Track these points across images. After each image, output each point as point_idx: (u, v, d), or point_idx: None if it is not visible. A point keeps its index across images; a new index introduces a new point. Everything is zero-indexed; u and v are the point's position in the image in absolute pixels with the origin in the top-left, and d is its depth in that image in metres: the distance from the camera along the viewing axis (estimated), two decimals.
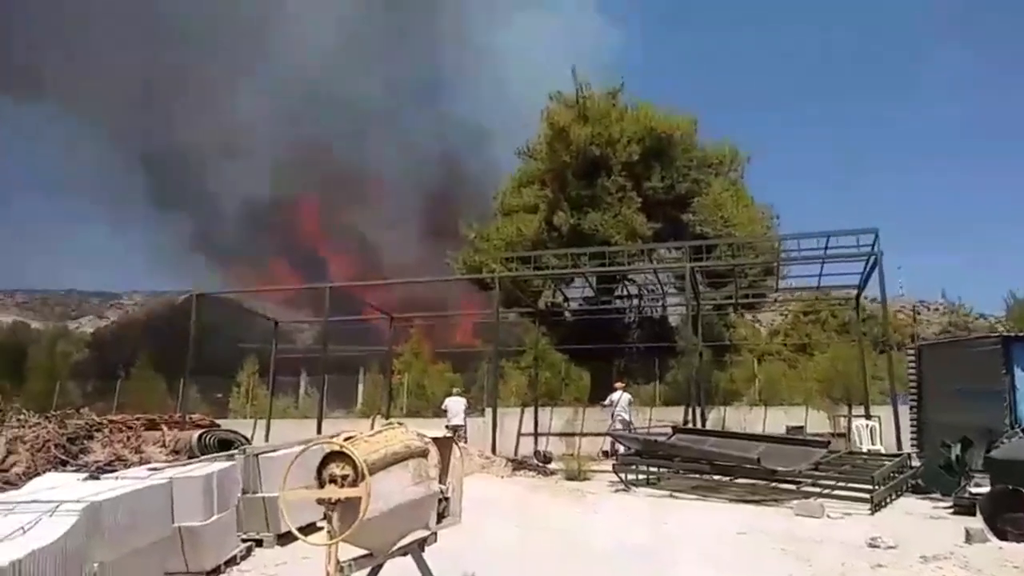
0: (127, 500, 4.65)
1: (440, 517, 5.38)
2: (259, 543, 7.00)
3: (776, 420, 17.25)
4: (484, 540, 6.70)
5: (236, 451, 7.29)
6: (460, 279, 19.77)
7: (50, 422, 9.66)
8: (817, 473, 9.94)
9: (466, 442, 16.25)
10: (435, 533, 5.20)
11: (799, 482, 9.79)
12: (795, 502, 9.42)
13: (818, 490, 9.76)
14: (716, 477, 10.79)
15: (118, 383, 25.44)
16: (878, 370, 23.40)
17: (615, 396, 16.03)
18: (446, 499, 5.49)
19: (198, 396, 26.72)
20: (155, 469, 6.11)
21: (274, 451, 7.48)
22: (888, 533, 7.37)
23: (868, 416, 15.19)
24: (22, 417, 9.82)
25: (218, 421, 18.86)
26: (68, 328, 62.44)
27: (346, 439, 4.71)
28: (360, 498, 4.37)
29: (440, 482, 5.34)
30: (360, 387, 27.84)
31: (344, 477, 4.48)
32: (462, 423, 16.90)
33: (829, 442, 11.36)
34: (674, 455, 11.25)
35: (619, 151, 18.01)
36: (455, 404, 17.16)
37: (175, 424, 15.70)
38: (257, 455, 7.26)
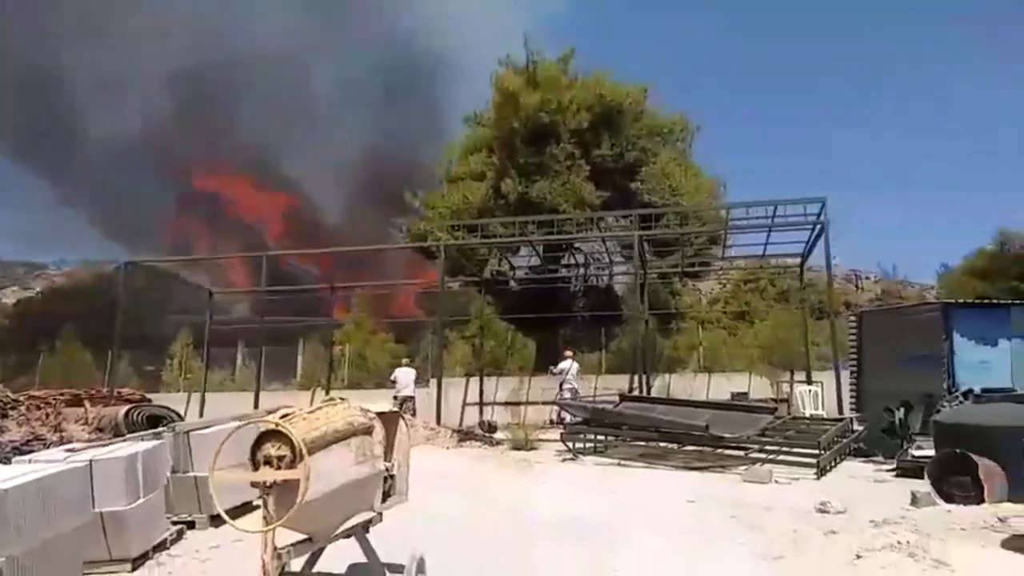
0: (37, 487, 4.22)
1: (386, 496, 5.10)
2: (191, 525, 6.59)
3: (720, 387, 17.44)
4: (431, 516, 6.44)
5: (165, 428, 6.82)
6: (405, 247, 19.29)
7: None
8: (764, 439, 9.96)
9: (415, 414, 15.96)
10: (380, 513, 4.93)
11: (746, 448, 9.80)
12: (743, 468, 9.46)
13: (764, 456, 9.79)
14: (664, 445, 10.76)
15: (40, 356, 24.21)
16: (817, 337, 24.04)
17: (564, 364, 15.92)
18: (392, 477, 5.20)
19: (130, 369, 25.73)
20: (73, 450, 5.64)
21: (206, 428, 7.05)
22: (836, 497, 7.38)
23: (810, 382, 15.43)
24: None
25: (150, 395, 18.18)
26: None
27: (283, 416, 4.36)
28: (298, 480, 4.06)
29: (385, 459, 5.05)
30: (300, 358, 27.19)
31: (281, 458, 4.14)
32: (412, 394, 16.57)
33: (776, 408, 11.43)
34: (622, 423, 11.17)
35: (568, 118, 17.71)
36: (405, 375, 16.79)
37: (102, 399, 15.04)
38: (188, 432, 6.82)
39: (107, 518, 5.34)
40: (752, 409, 11.52)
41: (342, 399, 4.87)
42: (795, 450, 9.63)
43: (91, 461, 5.33)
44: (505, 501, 7.66)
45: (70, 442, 8.18)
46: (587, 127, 17.97)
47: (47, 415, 8.25)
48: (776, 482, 8.74)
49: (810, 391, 13.82)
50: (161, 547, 5.94)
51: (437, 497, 7.40)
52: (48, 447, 8.06)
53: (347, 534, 4.64)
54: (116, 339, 16.34)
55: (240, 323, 19.82)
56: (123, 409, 9.79)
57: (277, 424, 4.15)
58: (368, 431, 4.59)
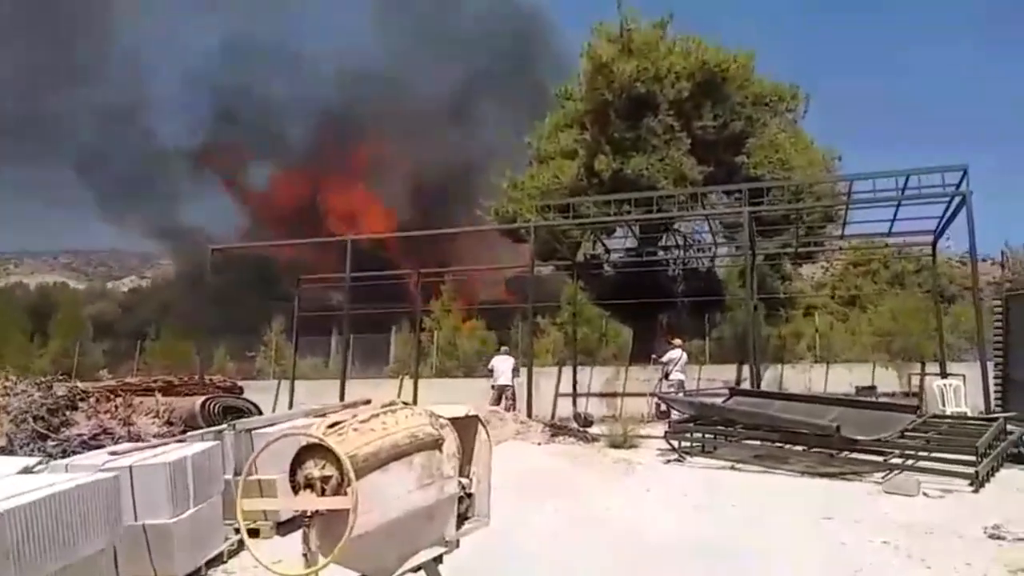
0: (49, 505, 3.54)
1: (462, 519, 4.20)
2: (254, 534, 5.91)
3: (839, 379, 15.83)
4: (518, 534, 5.53)
5: (226, 426, 6.17)
6: (492, 228, 18.42)
7: (38, 389, 8.69)
8: (906, 442, 8.55)
9: (515, 403, 15.12)
10: (457, 540, 4.04)
11: (885, 453, 8.44)
12: (880, 476, 8.14)
13: (902, 462, 8.40)
14: (781, 445, 9.50)
15: (138, 344, 24.80)
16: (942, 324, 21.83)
17: (674, 354, 14.73)
18: (469, 495, 4.30)
19: (226, 356, 26.11)
20: (116, 453, 5.03)
21: (270, 425, 6.37)
22: (1004, 517, 6.08)
23: (945, 374, 13.70)
24: (8, 383, 8.86)
25: (245, 383, 18.12)
26: (106, 288, 62.93)
27: (330, 427, 3.50)
28: (346, 510, 3.20)
29: (461, 474, 4.15)
30: (392, 346, 26.93)
31: (325, 480, 3.28)
32: (509, 383, 15.68)
33: (919, 407, 9.93)
34: (733, 421, 9.95)
35: (667, 88, 16.33)
36: (502, 363, 15.90)
37: (194, 386, 14.92)
38: (249, 431, 6.16)
39: (150, 532, 4.68)
40: (888, 407, 10.06)
41: (405, 403, 3.98)
42: (945, 456, 8.20)
43: (130, 468, 4.70)
44: (606, 515, 6.65)
45: (138, 437, 7.73)
46: (687, 97, 16.55)
47: (116, 407, 7.82)
48: (925, 495, 7.39)
49: (950, 385, 12.13)
50: (216, 561, 5.27)
51: (526, 510, 6.49)
52: (116, 441, 7.64)
53: (415, 568, 3.78)
54: (205, 325, 16.17)
55: (327, 311, 19.47)
56: (199, 400, 9.31)
57: (320, 438, 3.30)
58: (436, 444, 3.67)
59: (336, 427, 3.43)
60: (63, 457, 7.03)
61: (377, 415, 3.51)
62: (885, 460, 8.24)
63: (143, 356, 25.60)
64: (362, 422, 3.43)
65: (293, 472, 3.37)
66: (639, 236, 17.15)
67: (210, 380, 15.88)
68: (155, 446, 5.40)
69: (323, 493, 3.23)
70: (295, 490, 3.33)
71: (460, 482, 4.06)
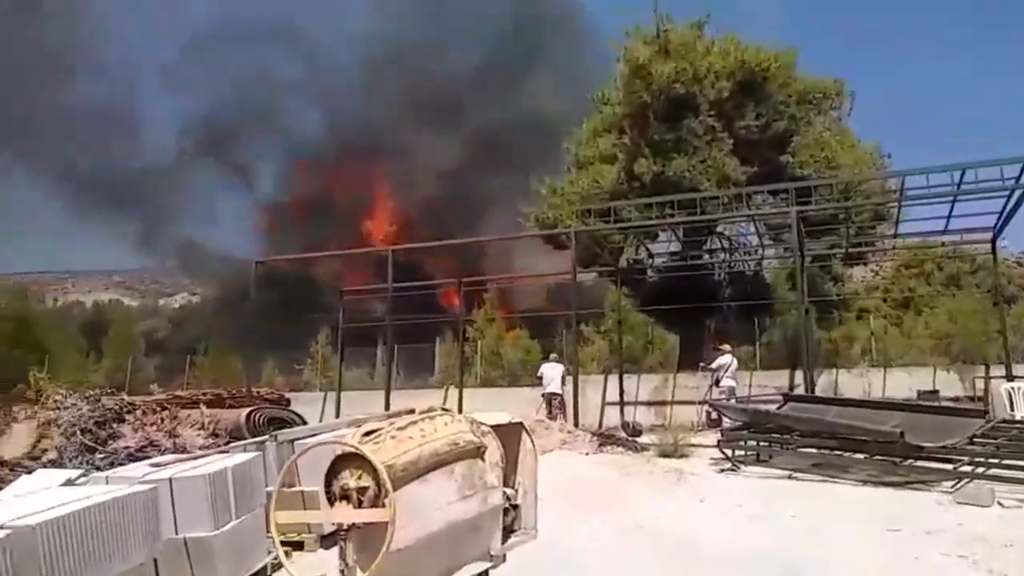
0: (83, 518, 3.46)
1: (507, 532, 4.01)
2: (298, 546, 5.80)
3: (898, 384, 15.21)
4: (566, 545, 5.31)
5: (268, 437, 6.08)
6: (533, 235, 18.23)
7: (87, 402, 8.78)
8: (975, 449, 8.09)
9: (564, 411, 14.87)
10: (504, 555, 3.85)
11: (954, 460, 7.99)
12: (949, 485, 7.70)
13: (972, 469, 7.94)
14: (842, 453, 9.09)
15: (188, 358, 25.17)
16: (997, 326, 20.92)
17: (724, 360, 14.32)
18: (514, 507, 4.10)
19: (274, 369, 26.38)
20: (159, 465, 4.97)
21: (312, 435, 6.27)
22: None
23: (1011, 377, 13.06)
24: (60, 397, 8.97)
25: (291, 395, 18.23)
26: (158, 305, 64.43)
27: (366, 435, 3.35)
28: (384, 523, 3.04)
29: (506, 484, 3.96)
30: (436, 356, 26.89)
31: (362, 491, 3.12)
32: (559, 391, 15.35)
33: (987, 411, 9.41)
34: (789, 428, 9.56)
35: (707, 88, 16.00)
36: (551, 371, 15.59)
37: (241, 399, 15.03)
38: (292, 441, 6.07)
39: (191, 545, 4.58)
40: (954, 411, 9.57)
41: (445, 409, 3.81)
42: (1020, 463, 7.71)
43: (170, 480, 4.62)
44: (657, 526, 6.38)
45: (183, 448, 7.73)
46: (728, 96, 16.19)
47: (162, 420, 7.84)
48: (1000, 504, 6.95)
49: (1018, 388, 11.52)
50: (260, 575, 5.16)
51: (574, 521, 6.26)
52: (162, 453, 7.65)
53: None
54: (251, 338, 16.28)
55: (370, 321, 19.49)
56: (244, 412, 9.32)
57: (356, 447, 3.14)
58: (478, 453, 3.49)
59: (372, 435, 3.27)
60: (110, 468, 7.07)
61: (415, 422, 3.35)
62: (954, 468, 7.79)
63: (192, 371, 26.01)
64: (399, 429, 3.27)
65: (328, 483, 3.22)
66: (683, 240, 16.78)
67: (257, 393, 16.03)
68: (197, 457, 5.32)
69: (360, 505, 3.07)
70: (331, 502, 3.19)
71: (505, 493, 3.88)
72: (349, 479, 3.12)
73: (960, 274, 32.86)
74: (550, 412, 14.91)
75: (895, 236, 15.24)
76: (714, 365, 14.60)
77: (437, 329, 26.25)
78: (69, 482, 4.68)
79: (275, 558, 5.49)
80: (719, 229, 17.12)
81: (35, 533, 3.14)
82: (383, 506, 3.00)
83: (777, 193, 15.80)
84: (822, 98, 17.29)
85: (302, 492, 5.81)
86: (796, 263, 12.70)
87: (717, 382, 14.29)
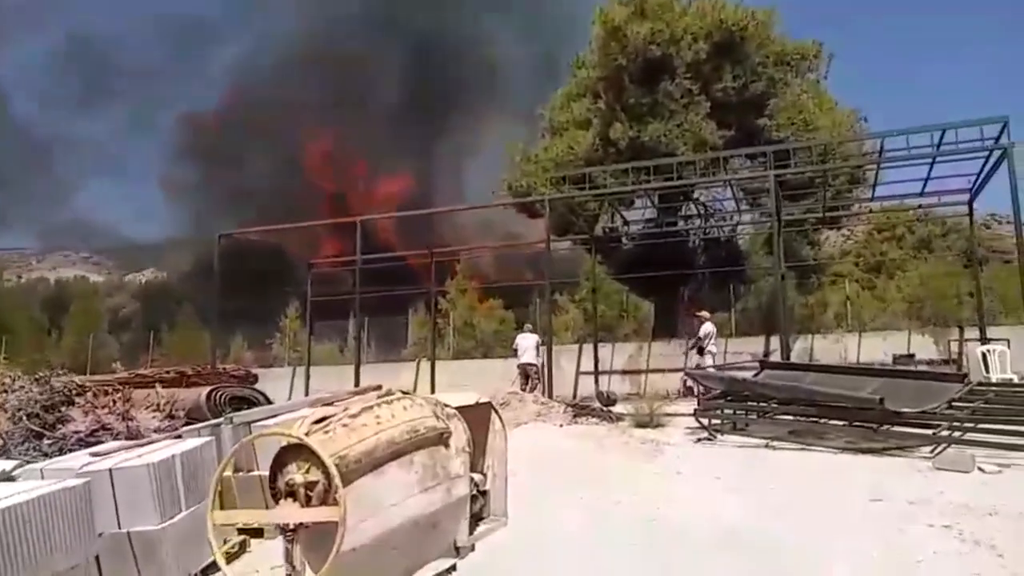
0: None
1: (475, 520, 3.73)
2: (257, 533, 5.47)
3: (873, 348, 15.18)
4: (541, 529, 5.05)
5: (222, 420, 5.73)
6: (506, 204, 17.83)
7: (37, 384, 8.32)
8: (955, 414, 7.96)
9: (540, 381, 14.65)
10: (472, 545, 3.58)
11: (932, 426, 7.86)
12: (928, 451, 7.58)
13: (950, 434, 7.80)
14: (818, 420, 8.95)
15: (151, 334, 24.56)
16: (970, 288, 21.05)
17: (708, 327, 14.13)
18: (483, 493, 3.82)
19: (243, 345, 25.88)
20: (97, 454, 4.61)
21: (272, 416, 5.92)
22: None
23: (985, 339, 13.04)
24: (8, 379, 8.48)
25: (260, 371, 17.79)
26: (124, 281, 63.07)
27: (315, 423, 3.02)
28: (335, 521, 2.73)
29: (473, 469, 3.67)
30: (409, 329, 26.53)
31: (310, 486, 2.81)
32: (534, 361, 15.02)
33: (966, 374, 9.30)
34: (766, 396, 9.40)
35: (683, 50, 15.59)
36: (525, 340, 15.28)
37: (207, 376, 14.58)
38: (249, 423, 5.73)
39: (135, 540, 4.25)
40: (932, 376, 9.46)
41: (404, 392, 3.49)
42: (999, 427, 7.60)
43: (110, 471, 4.27)
44: (634, 501, 6.15)
45: (136, 432, 7.33)
46: (705, 58, 15.79)
47: (114, 402, 7.43)
48: (980, 470, 6.82)
49: (993, 351, 11.47)
50: (213, 568, 4.84)
51: (549, 500, 6.01)
52: (116, 437, 7.25)
53: None
54: (214, 312, 15.80)
55: (340, 295, 19.06)
56: (204, 392, 8.92)
57: (301, 438, 2.82)
58: (441, 439, 3.18)
59: (322, 423, 2.95)
60: (59, 455, 6.67)
61: (370, 408, 3.03)
62: (934, 433, 7.65)
63: (159, 348, 25.41)
64: (352, 417, 2.94)
65: (273, 477, 2.90)
66: (658, 206, 16.49)
67: (224, 369, 15.55)
68: (144, 444, 4.98)
69: (308, 502, 2.76)
70: (275, 498, 2.87)
71: (472, 479, 3.59)
72: (296, 473, 2.80)
73: (931, 237, 33.13)
74: (526, 383, 14.68)
75: (872, 199, 15.06)
76: (701, 333, 14.39)
77: (409, 300, 25.87)
78: (3, 473, 4.32)
79: (231, 547, 5.20)
80: (695, 195, 16.82)
81: None
82: (333, 503, 2.69)
83: (754, 157, 15.53)
84: (800, 59, 16.96)
85: (260, 478, 5.50)
86: (773, 228, 12.46)
87: (701, 351, 14.09)
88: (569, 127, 17.70)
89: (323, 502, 2.73)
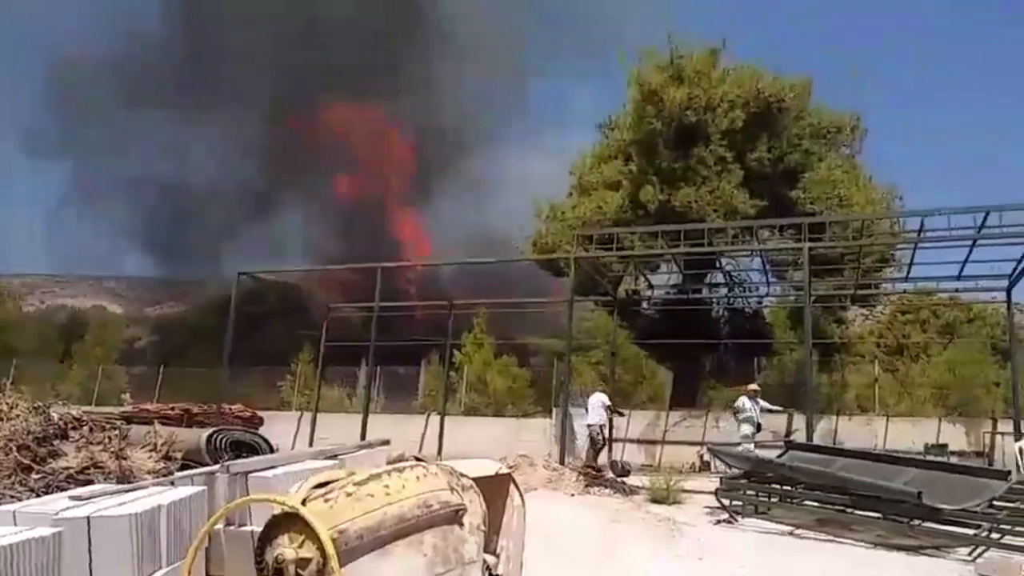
0: None
1: None
2: None
3: (901, 434, 14.55)
4: None
5: (217, 468, 5.36)
6: (531, 259, 17.59)
7: (35, 413, 8.01)
8: (998, 515, 7.42)
9: (605, 444, 14.00)
10: None
11: (973, 525, 7.31)
12: (965, 552, 7.04)
13: (987, 536, 7.25)
14: (845, 509, 8.41)
15: (160, 369, 24.28)
16: (997, 377, 20.40)
17: (757, 403, 13.56)
18: None
19: (253, 386, 25.47)
20: (79, 498, 4.26)
21: (271, 468, 5.54)
22: None
23: (1020, 433, 12.42)
24: (6, 406, 8.18)
25: (268, 413, 17.41)
26: (143, 313, 63.30)
27: (316, 487, 2.67)
28: None
29: (486, 549, 3.27)
30: (421, 379, 26.09)
31: (302, 564, 2.45)
32: (598, 422, 14.08)
33: (1009, 472, 8.75)
34: (793, 480, 8.89)
35: (719, 117, 15.50)
36: (594, 399, 14.36)
37: (212, 416, 14.22)
38: (246, 473, 5.35)
39: None
40: (973, 471, 8.91)
41: (418, 458, 3.13)
42: None
43: (88, 519, 3.92)
44: None
45: (129, 472, 6.97)
46: (741, 127, 15.70)
47: (110, 438, 7.09)
48: None
49: None
50: None
51: None
52: (107, 476, 6.90)
53: None
54: (225, 352, 15.52)
55: (353, 341, 18.77)
56: (205, 434, 8.55)
57: (296, 508, 2.46)
58: (455, 517, 2.81)
59: (323, 489, 2.60)
60: (45, 492, 6.31)
61: (378, 475, 2.67)
62: (975, 535, 7.11)
63: (169, 383, 25.08)
64: (358, 484, 2.59)
65: (261, 550, 2.54)
66: (684, 272, 16.17)
67: (229, 410, 15.23)
68: (129, 489, 4.62)
69: None
70: (261, 574, 2.50)
71: (485, 561, 3.19)
72: (287, 547, 2.44)
73: (956, 323, 32.46)
74: (592, 448, 13.94)
75: (907, 279, 14.61)
76: (752, 407, 13.81)
77: (423, 351, 25.48)
78: None
79: None
80: (723, 264, 16.50)
81: None
82: None
83: (785, 229, 15.25)
84: (836, 132, 16.80)
85: (252, 533, 5.10)
86: (804, 302, 12.07)
87: (759, 427, 13.41)
88: (598, 187, 17.57)
89: None
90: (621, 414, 15.18)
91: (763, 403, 13.62)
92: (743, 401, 13.52)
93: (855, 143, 17.35)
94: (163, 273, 69.33)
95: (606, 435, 14.15)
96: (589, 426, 14.02)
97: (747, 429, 13.10)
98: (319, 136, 64.34)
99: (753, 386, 14.08)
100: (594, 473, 11.92)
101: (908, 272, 14.10)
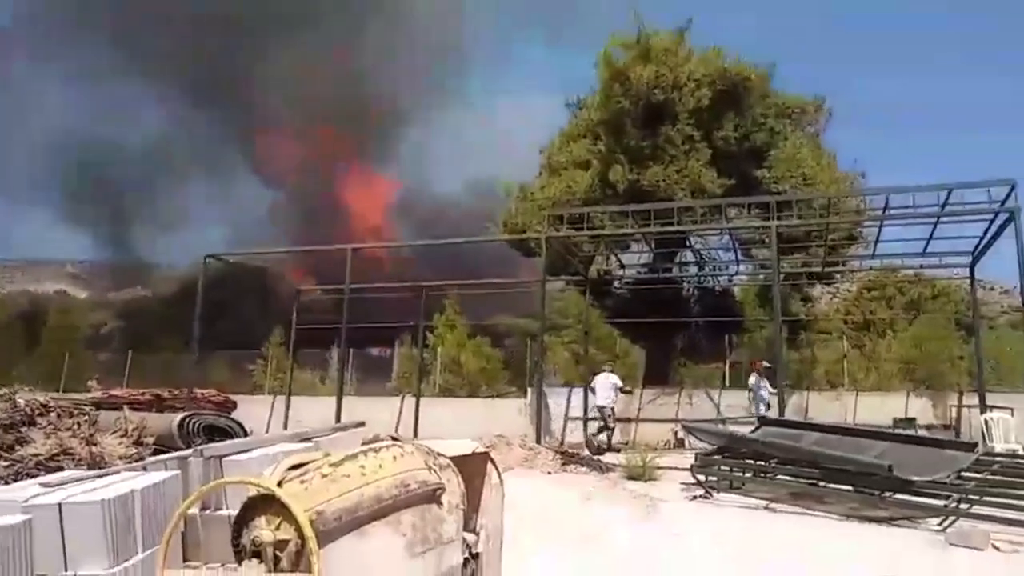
0: None
1: None
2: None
3: (870, 408, 14.80)
4: None
5: (190, 452, 5.28)
6: (502, 239, 17.54)
7: (2, 401, 7.82)
8: (967, 485, 7.59)
9: (612, 427, 14.02)
10: None
11: (943, 496, 7.48)
12: (935, 523, 7.19)
13: (956, 506, 7.43)
14: (818, 483, 8.55)
15: (128, 354, 23.89)
16: (962, 351, 20.88)
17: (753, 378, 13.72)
18: (474, 556, 3.39)
19: (225, 370, 25.18)
20: (48, 484, 4.16)
21: (245, 452, 5.47)
22: None
23: (985, 407, 12.72)
24: None
25: (240, 397, 17.20)
26: (107, 298, 62.11)
27: (291, 468, 2.62)
28: None
29: (465, 527, 3.24)
30: (395, 362, 26.00)
31: (280, 545, 2.39)
32: (607, 403, 14.07)
33: (976, 443, 8.95)
34: (767, 455, 9.01)
35: (686, 95, 15.52)
36: (603, 380, 14.42)
37: (184, 401, 14.03)
38: (220, 457, 5.28)
39: None
40: (942, 443, 9.09)
41: (395, 438, 3.09)
42: (1011, 501, 7.22)
43: (59, 505, 3.83)
44: (632, 565, 5.72)
45: (100, 459, 6.85)
46: (707, 105, 15.74)
47: (78, 424, 6.95)
48: (995, 547, 6.43)
49: (996, 419, 11.15)
50: None
51: (537, 556, 5.56)
52: (77, 462, 6.77)
53: None
54: (195, 336, 15.28)
55: (325, 324, 18.62)
56: (176, 418, 8.44)
57: (272, 490, 2.41)
58: (434, 496, 2.78)
59: (299, 471, 2.55)
60: (14, 480, 6.18)
61: (354, 456, 2.62)
62: (946, 506, 7.27)
63: (137, 368, 24.68)
64: (333, 466, 2.54)
65: (238, 532, 2.49)
66: (655, 251, 16.24)
67: (201, 395, 15.01)
68: (101, 475, 4.53)
69: (276, 565, 2.35)
70: (239, 557, 2.45)
71: (464, 539, 3.17)
72: (264, 529, 2.38)
73: (921, 299, 33.10)
74: (605, 426, 14.06)
75: (873, 256, 14.83)
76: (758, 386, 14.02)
77: (396, 333, 25.36)
78: None
79: None
80: (691, 242, 16.59)
81: None
82: (306, 568, 2.28)
83: (752, 207, 15.36)
84: (800, 113, 16.94)
85: (229, 517, 5.04)
86: (773, 280, 12.19)
87: (768, 405, 13.63)
88: (568, 167, 17.53)
89: (295, 566, 2.32)
90: (629, 392, 15.15)
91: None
92: (753, 378, 13.68)
93: (819, 123, 17.51)
94: (114, 255, 67.98)
95: (613, 417, 14.15)
96: (600, 408, 14.06)
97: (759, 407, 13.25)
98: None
99: (763, 363, 14.18)
100: (570, 452, 11.98)
101: (874, 249, 14.32)
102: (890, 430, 11.02)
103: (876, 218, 13.07)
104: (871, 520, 7.55)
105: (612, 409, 14.09)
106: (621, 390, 14.46)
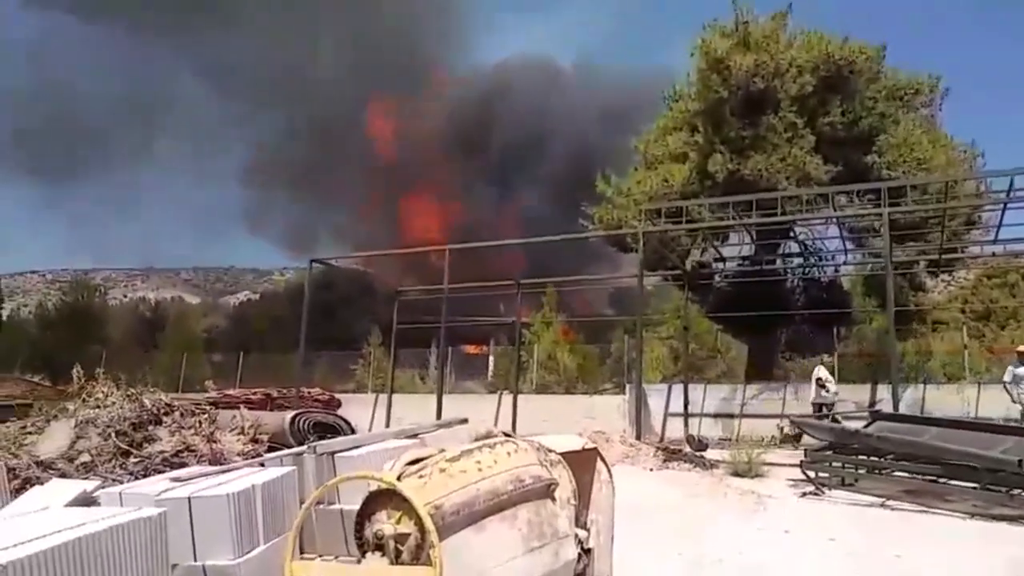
0: (62, 554, 2.89)
1: None
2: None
3: (991, 401, 13.89)
4: None
5: (305, 449, 5.49)
6: (598, 235, 17.42)
7: (131, 401, 8.38)
8: None
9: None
10: None
11: None
12: None
13: None
14: (937, 480, 8.12)
15: (239, 355, 25.09)
16: None
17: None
18: (586, 551, 3.39)
19: (328, 369, 26.12)
20: (178, 480, 4.43)
21: (355, 448, 5.66)
22: None
23: None
24: (102, 394, 8.58)
25: (344, 395, 17.83)
26: (219, 303, 65.61)
27: (410, 464, 2.69)
28: None
29: (576, 523, 3.25)
30: (491, 359, 26.34)
31: (401, 539, 2.47)
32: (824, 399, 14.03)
33: None
34: (881, 451, 8.61)
35: (788, 83, 14.93)
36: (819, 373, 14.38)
37: (292, 400, 14.63)
38: (332, 454, 5.48)
39: (210, 573, 4.01)
40: None
41: (507, 434, 3.13)
42: None
43: (189, 499, 4.07)
44: (741, 561, 5.58)
45: (220, 455, 7.23)
46: (811, 92, 15.11)
47: (200, 423, 7.37)
48: None
49: None
50: None
51: (645, 552, 5.51)
52: (199, 459, 7.17)
53: None
54: (303, 337, 15.89)
55: (423, 323, 19.01)
56: (288, 416, 8.79)
57: (393, 484, 2.48)
58: (547, 491, 2.80)
59: (417, 466, 2.61)
60: (143, 475, 6.61)
61: (470, 451, 2.67)
62: None
63: (247, 369, 25.93)
64: (450, 460, 2.60)
65: (360, 526, 2.58)
66: (756, 242, 15.73)
67: (308, 393, 15.64)
68: (224, 471, 4.79)
69: (397, 558, 2.43)
70: (362, 551, 2.54)
71: (576, 535, 3.18)
72: (385, 523, 2.47)
73: None
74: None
75: (995, 241, 13.89)
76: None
77: (493, 332, 25.67)
78: (84, 494, 4.17)
79: None
80: (796, 233, 15.98)
81: (4, 573, 2.58)
82: (428, 561, 2.34)
83: (861, 195, 14.66)
84: (913, 94, 16.02)
85: (341, 511, 5.22)
86: (886, 269, 11.61)
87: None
88: (664, 160, 17.22)
89: (415, 558, 2.39)
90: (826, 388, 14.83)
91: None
92: (1010, 369, 12.77)
93: (935, 104, 16.51)
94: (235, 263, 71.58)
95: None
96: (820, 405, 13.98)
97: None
98: None
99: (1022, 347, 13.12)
100: (672, 449, 11.81)
101: (996, 234, 13.41)
102: (1018, 424, 10.32)
103: (998, 201, 12.23)
104: (998, 518, 7.11)
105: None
106: (820, 383, 14.20)
